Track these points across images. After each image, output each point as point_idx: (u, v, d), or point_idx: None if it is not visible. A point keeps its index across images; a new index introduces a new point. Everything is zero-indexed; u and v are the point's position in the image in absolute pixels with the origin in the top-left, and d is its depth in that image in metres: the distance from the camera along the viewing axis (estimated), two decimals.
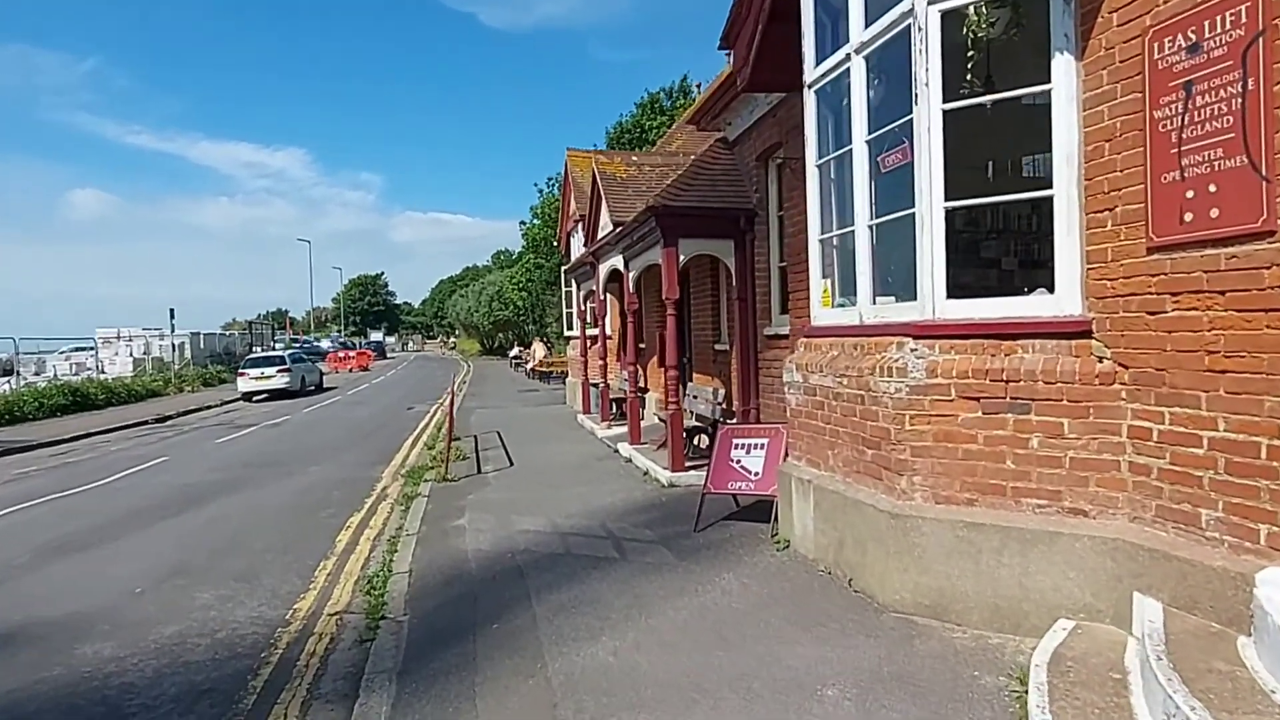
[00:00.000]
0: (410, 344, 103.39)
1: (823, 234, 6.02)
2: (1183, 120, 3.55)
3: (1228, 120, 3.32)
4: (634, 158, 13.63)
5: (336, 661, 4.73)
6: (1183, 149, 3.54)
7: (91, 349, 34.46)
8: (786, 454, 6.56)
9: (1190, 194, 3.48)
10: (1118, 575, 3.81)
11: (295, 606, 5.74)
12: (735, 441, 7.08)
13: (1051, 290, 4.28)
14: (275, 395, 26.70)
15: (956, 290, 4.62)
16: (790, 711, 3.55)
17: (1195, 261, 3.48)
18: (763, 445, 6.88)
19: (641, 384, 14.20)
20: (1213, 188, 3.38)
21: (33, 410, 22.25)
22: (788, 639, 4.34)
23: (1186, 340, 3.54)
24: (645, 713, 3.63)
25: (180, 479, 11.65)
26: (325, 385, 31.67)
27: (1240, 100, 3.27)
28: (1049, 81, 4.28)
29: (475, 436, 13.97)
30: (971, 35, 4.83)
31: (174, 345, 37.08)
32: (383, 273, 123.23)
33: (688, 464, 8.99)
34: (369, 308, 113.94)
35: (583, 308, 17.27)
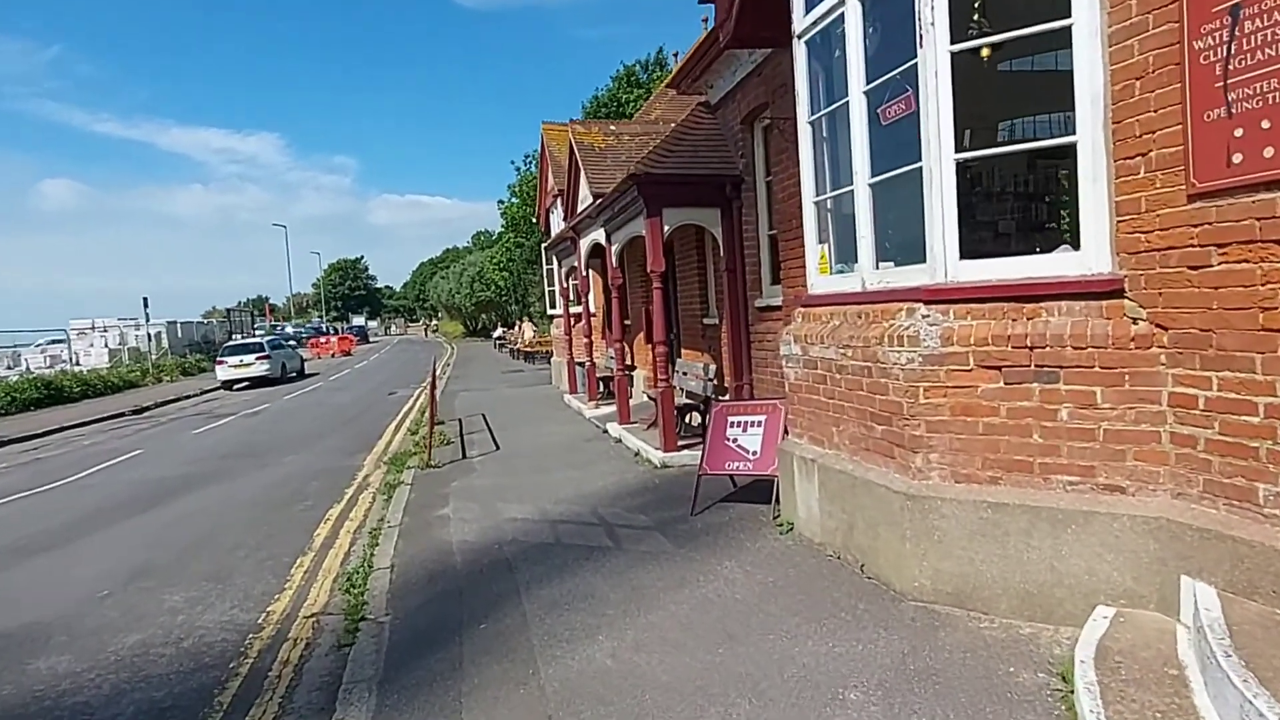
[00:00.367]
0: (393, 328, 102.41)
1: (818, 196, 5.62)
2: (1228, 50, 3.17)
3: None
4: (612, 127, 13.12)
5: (312, 670, 4.37)
6: (1229, 82, 3.16)
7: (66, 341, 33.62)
8: (786, 431, 6.21)
9: (1239, 132, 3.11)
10: (1161, 557, 3.50)
11: (269, 609, 5.36)
12: (731, 419, 6.72)
13: (1077, 247, 3.91)
14: (256, 383, 26.13)
15: (970, 250, 4.25)
16: (810, 718, 3.22)
17: (1246, 208, 3.12)
18: (760, 423, 6.53)
19: (628, 361, 13.82)
20: (1266, 124, 3.01)
21: (4, 405, 21.60)
22: (799, 633, 4.01)
23: (1236, 296, 3.19)
24: None
25: (154, 473, 11.20)
26: (307, 371, 31.07)
27: None
28: (1069, 16, 3.87)
29: (460, 420, 13.56)
30: None
31: (150, 335, 36.25)
32: (362, 257, 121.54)
33: (680, 443, 8.65)
34: (350, 292, 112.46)
35: (565, 285, 16.82)
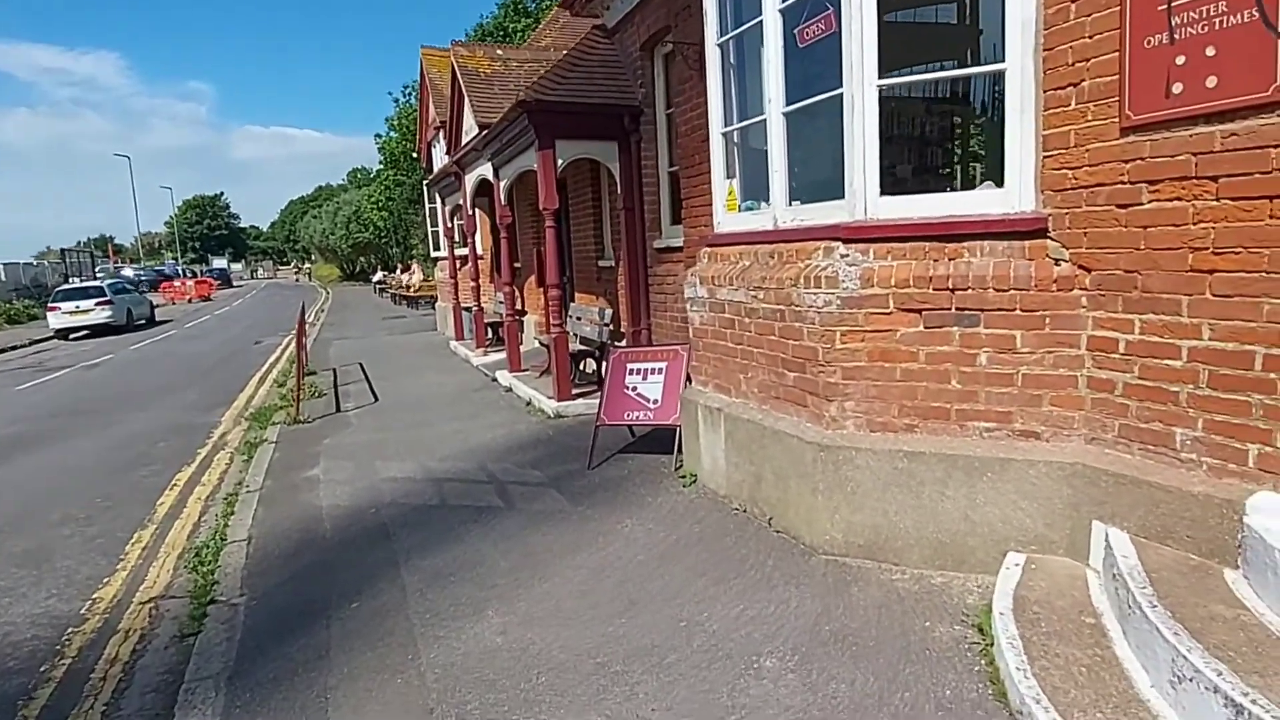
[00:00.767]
0: (260, 271, 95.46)
1: (726, 126, 5.22)
2: None
3: None
4: (499, 52, 12.12)
5: (147, 668, 3.72)
6: (1173, 5, 2.95)
7: None
8: (689, 379, 5.90)
9: (1181, 60, 2.92)
10: (1074, 503, 3.41)
11: (95, 595, 4.59)
12: (630, 366, 6.35)
13: (1000, 184, 3.70)
14: (97, 331, 23.49)
15: (891, 186, 3.98)
16: (723, 693, 2.94)
17: (1182, 142, 2.95)
18: (661, 370, 6.19)
19: (519, 306, 13.17)
20: (1211, 50, 2.82)
21: None
22: (706, 596, 3.73)
23: (1166, 236, 3.05)
24: (543, 712, 2.92)
25: None
26: (158, 319, 28.30)
27: None
28: None
29: (334, 370, 12.55)
30: None
31: None
32: (222, 193, 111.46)
33: (575, 392, 8.23)
34: (209, 232, 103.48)
35: (450, 225, 15.81)
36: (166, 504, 6.23)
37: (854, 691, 2.87)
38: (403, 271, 34.64)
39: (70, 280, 35.21)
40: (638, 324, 8.44)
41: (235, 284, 63.69)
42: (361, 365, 12.80)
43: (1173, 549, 3.01)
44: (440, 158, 16.29)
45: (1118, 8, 3.14)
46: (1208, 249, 2.90)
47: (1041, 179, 3.54)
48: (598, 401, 7.81)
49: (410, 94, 34.81)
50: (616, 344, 8.73)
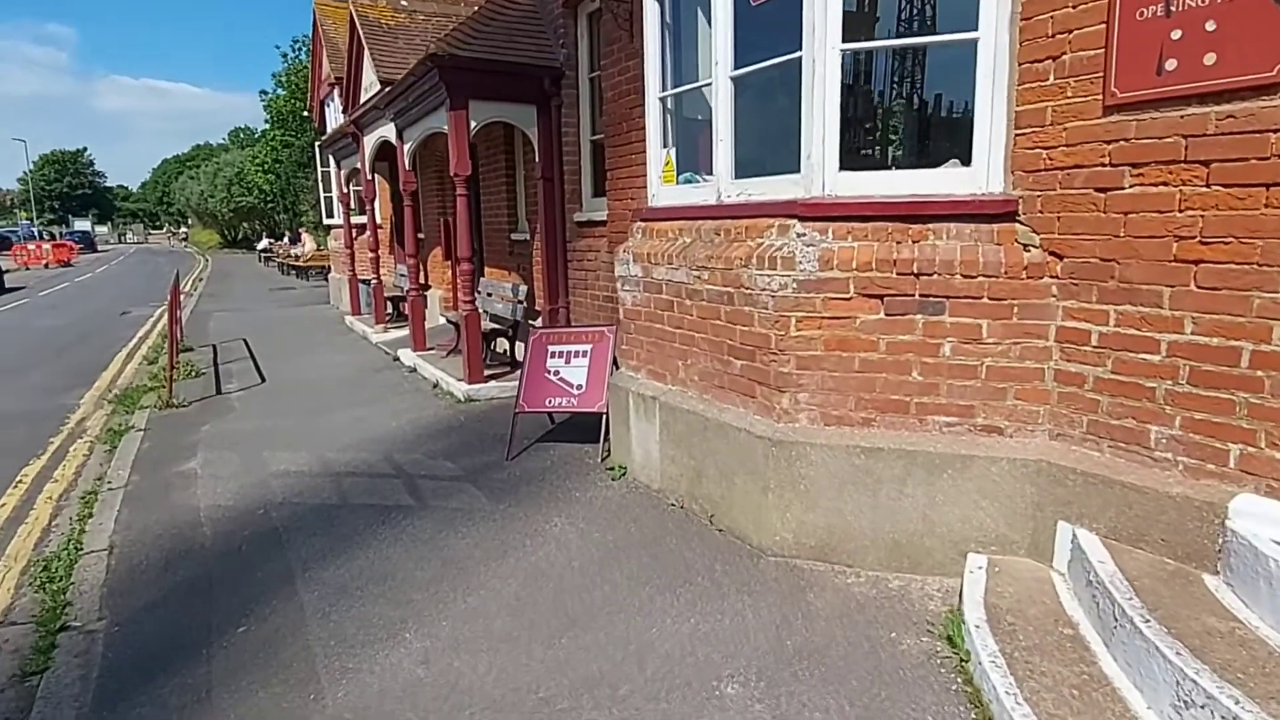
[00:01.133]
0: (129, 235, 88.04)
1: (664, 91, 4.81)
2: None
3: None
4: (404, 2, 11.18)
5: None
6: None
7: None
8: (617, 363, 5.51)
9: (1177, 34, 2.72)
10: (1038, 502, 3.26)
11: None
12: (551, 349, 5.89)
13: (967, 163, 3.47)
14: None
15: (851, 161, 3.69)
16: None
17: (1172, 124, 2.77)
18: (585, 353, 5.77)
19: (422, 280, 12.38)
20: (1211, 25, 2.64)
21: None
22: (654, 609, 3.38)
23: (1149, 223, 2.88)
24: None
25: None
26: (8, 285, 25.32)
27: None
28: None
29: (214, 346, 11.45)
30: None
31: None
32: (85, 149, 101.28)
33: (487, 373, 7.69)
34: (70, 191, 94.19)
35: (345, 190, 14.70)
36: (9, 506, 5.32)
37: None
38: (292, 243, 32.40)
39: None
40: (555, 302, 7.96)
41: (100, 249, 58.25)
42: (246, 341, 11.74)
43: (1147, 553, 2.88)
44: (335, 117, 15.09)
45: None
46: (1194, 238, 2.74)
47: (1012, 159, 3.33)
48: (512, 384, 7.33)
49: (301, 48, 32.50)
50: (531, 323, 8.23)
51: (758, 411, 3.87)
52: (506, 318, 8.42)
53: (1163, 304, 2.86)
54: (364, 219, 12.46)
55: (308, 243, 29.12)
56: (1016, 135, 3.29)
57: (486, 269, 10.25)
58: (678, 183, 4.75)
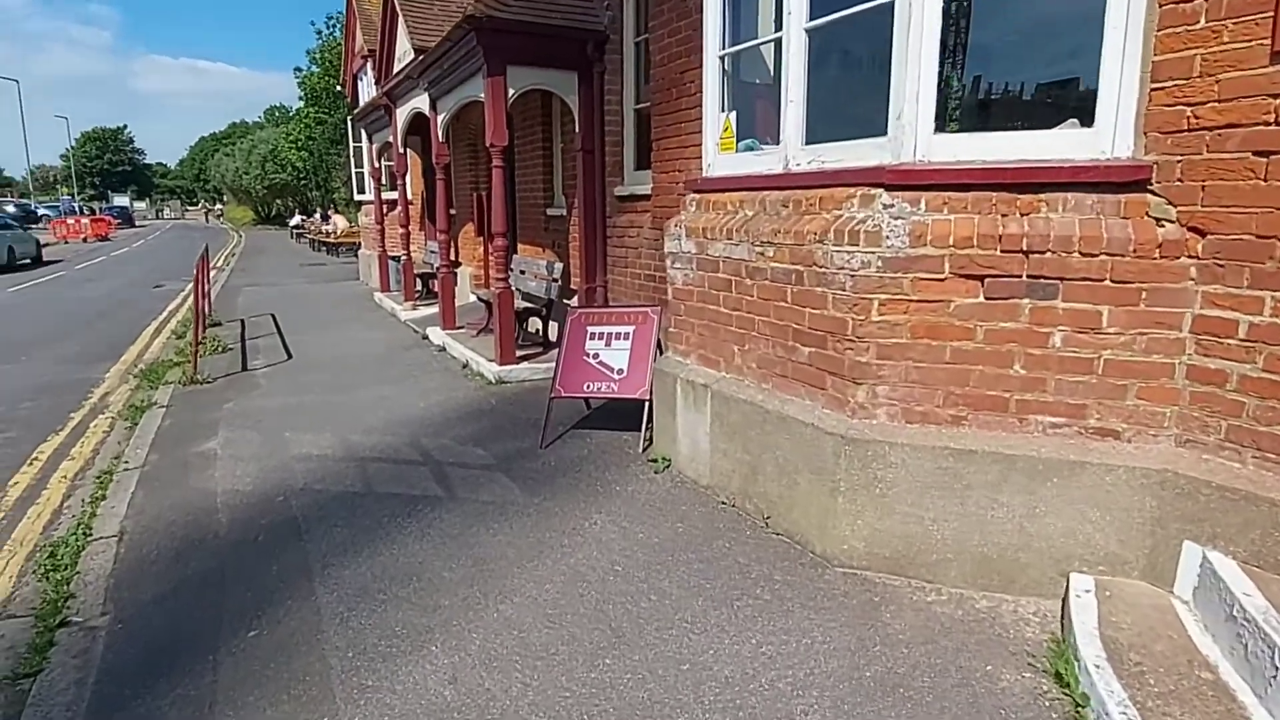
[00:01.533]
0: (167, 211, 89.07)
1: (725, 49, 4.37)
2: None
3: None
4: None
5: None
6: None
7: None
8: (661, 346, 5.12)
9: None
10: (1158, 518, 2.81)
11: None
12: (591, 330, 5.51)
13: (1089, 122, 2.99)
14: None
15: (946, 122, 3.23)
16: None
17: None
18: (627, 335, 5.37)
19: (453, 257, 12.06)
20: None
21: None
22: (709, 624, 3.00)
23: None
24: None
25: None
26: (46, 258, 25.56)
27: None
28: None
29: (242, 321, 11.26)
30: None
31: None
32: (125, 126, 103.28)
33: (518, 354, 7.34)
34: (111, 167, 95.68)
35: (377, 165, 14.41)
36: (21, 484, 5.08)
37: None
38: (324, 220, 32.33)
39: None
40: (592, 280, 7.56)
41: (138, 224, 58.93)
42: (274, 317, 11.53)
43: None
44: (368, 90, 14.79)
45: None
46: None
47: (1146, 118, 2.84)
48: (545, 366, 6.98)
49: (336, 25, 32.38)
50: (566, 302, 7.86)
51: (828, 405, 3.45)
52: (540, 296, 8.05)
53: None
54: (395, 194, 12.15)
55: (339, 222, 29.01)
56: (1153, 90, 2.80)
57: (520, 245, 9.88)
58: (737, 150, 4.31)
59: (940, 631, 2.89)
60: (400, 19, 9.91)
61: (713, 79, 4.39)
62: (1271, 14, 2.46)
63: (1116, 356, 2.90)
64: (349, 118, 18.17)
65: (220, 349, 9.05)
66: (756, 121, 4.55)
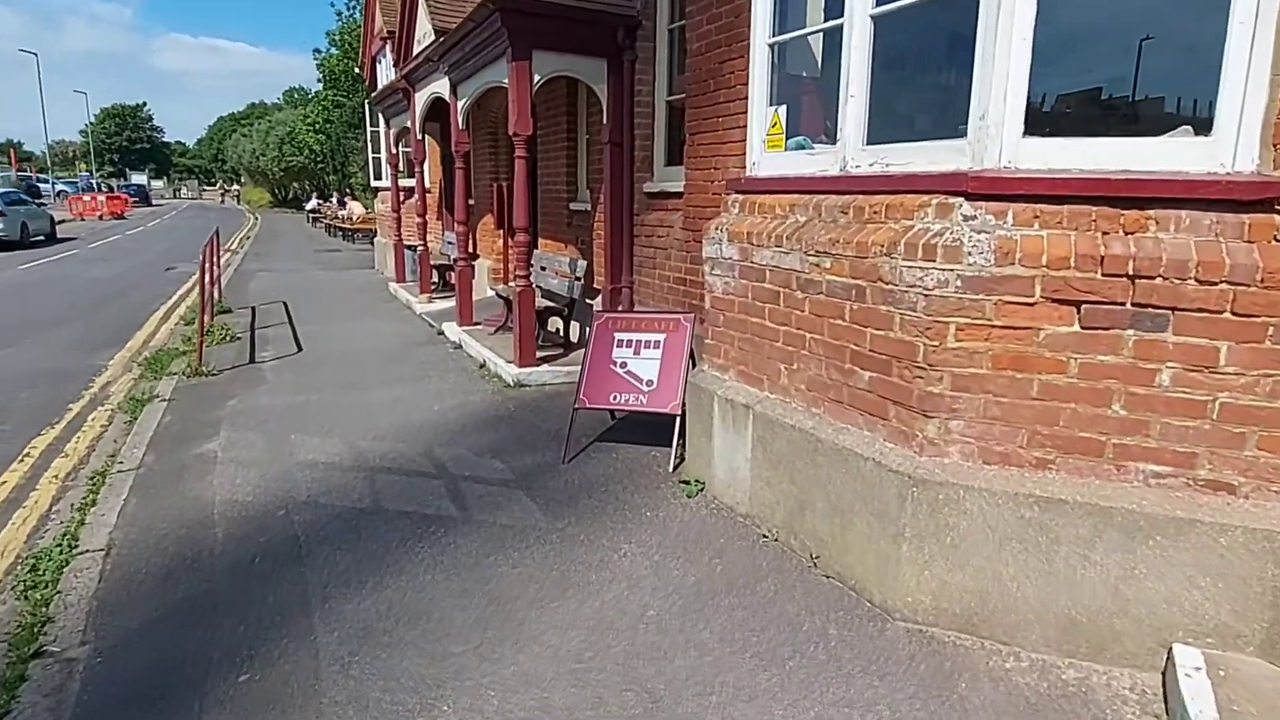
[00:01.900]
0: (184, 190, 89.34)
1: (775, 36, 3.99)
2: None
3: None
4: None
5: None
6: None
7: None
8: (694, 358, 4.76)
9: None
10: None
11: None
12: (619, 336, 5.15)
13: (1205, 130, 2.60)
14: None
15: (1036, 125, 2.84)
16: None
17: None
18: (658, 343, 5.02)
19: (471, 249, 11.72)
20: None
21: None
22: (755, 688, 2.65)
23: None
24: None
25: None
26: (60, 235, 25.48)
27: None
28: None
29: (253, 309, 10.97)
30: None
31: None
32: (144, 103, 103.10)
33: (539, 355, 6.99)
34: (129, 145, 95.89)
35: (394, 151, 14.09)
36: (9, 484, 4.79)
37: None
38: (340, 205, 32.08)
39: None
40: (617, 281, 7.19)
41: (155, 203, 58.98)
42: (285, 305, 11.23)
43: None
44: (386, 74, 14.44)
45: None
46: None
47: (1276, 127, 2.45)
48: (566, 369, 6.65)
49: (355, 6, 32.00)
50: (588, 301, 7.51)
51: (890, 438, 3.08)
52: (562, 295, 7.70)
53: None
54: (412, 182, 11.82)
55: (355, 208, 28.76)
56: None
57: (541, 240, 9.53)
58: (786, 148, 3.93)
59: (1026, 708, 2.53)
60: None
61: (761, 69, 4.01)
62: None
63: (1235, 400, 2.52)
64: (367, 101, 17.85)
65: (229, 338, 8.77)
66: (802, 118, 4.18)
